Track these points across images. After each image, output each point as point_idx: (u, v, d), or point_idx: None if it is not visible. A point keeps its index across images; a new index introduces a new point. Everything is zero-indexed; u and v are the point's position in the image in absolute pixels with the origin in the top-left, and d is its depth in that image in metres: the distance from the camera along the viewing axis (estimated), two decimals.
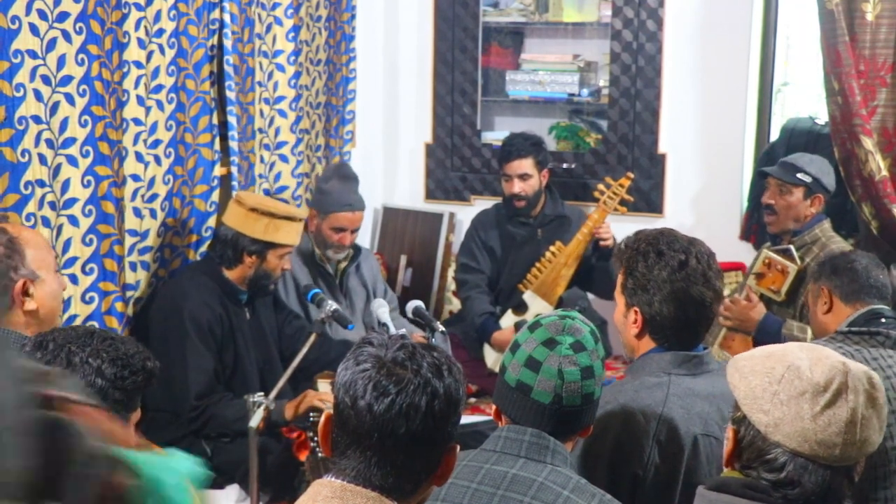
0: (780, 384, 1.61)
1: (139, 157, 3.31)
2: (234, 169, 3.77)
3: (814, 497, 1.60)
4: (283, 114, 4.09)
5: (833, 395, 1.58)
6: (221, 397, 3.37)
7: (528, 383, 1.92)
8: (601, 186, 4.34)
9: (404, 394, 1.48)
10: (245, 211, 3.44)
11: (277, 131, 4.09)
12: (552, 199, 4.51)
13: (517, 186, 4.38)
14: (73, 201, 3.02)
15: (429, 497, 1.61)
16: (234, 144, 3.74)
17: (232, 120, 3.72)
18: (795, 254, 3.64)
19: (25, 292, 2.29)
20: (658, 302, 2.20)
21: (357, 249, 4.11)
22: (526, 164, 4.36)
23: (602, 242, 4.25)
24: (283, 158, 4.15)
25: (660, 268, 2.20)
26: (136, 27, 3.23)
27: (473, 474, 1.88)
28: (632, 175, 4.36)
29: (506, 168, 4.40)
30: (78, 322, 3.05)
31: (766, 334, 3.45)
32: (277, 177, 4.14)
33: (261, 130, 3.98)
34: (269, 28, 3.96)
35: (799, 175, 3.68)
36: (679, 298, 2.19)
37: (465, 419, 3.77)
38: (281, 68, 4.05)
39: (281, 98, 4.07)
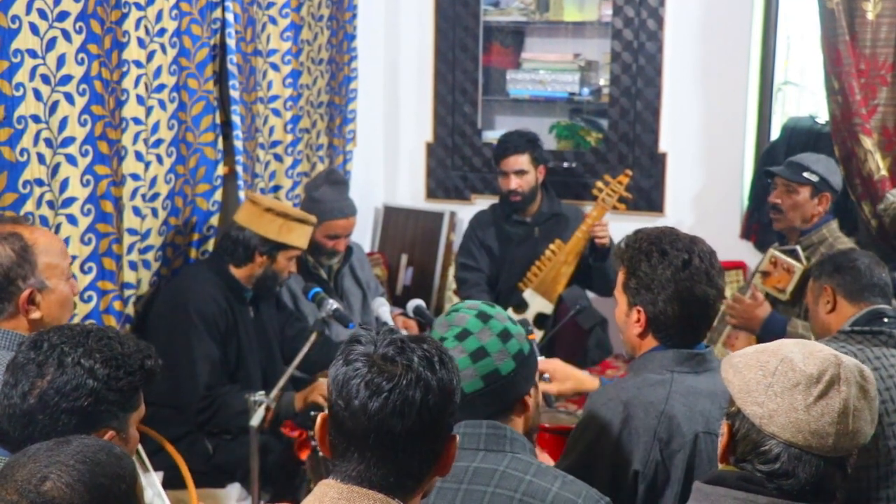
0: (774, 376, 1.63)
1: (139, 156, 3.31)
2: (239, 168, 3.77)
3: (808, 488, 1.62)
4: (277, 113, 4.08)
5: (826, 385, 1.61)
6: (230, 388, 3.38)
7: None
8: (599, 184, 4.32)
9: (397, 391, 1.45)
10: (260, 211, 3.47)
11: (272, 130, 4.08)
12: (548, 197, 4.49)
13: (513, 182, 4.36)
14: (71, 200, 3.01)
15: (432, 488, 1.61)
16: (238, 144, 3.74)
17: (236, 119, 3.71)
18: (802, 254, 3.63)
19: (31, 300, 2.27)
20: (662, 301, 2.20)
21: (348, 250, 4.11)
22: (522, 161, 4.34)
23: (598, 241, 4.21)
24: (278, 158, 4.14)
25: (663, 267, 2.20)
26: (136, 26, 3.22)
27: None
28: (630, 172, 4.35)
29: (501, 164, 4.38)
30: (77, 321, 3.05)
31: (770, 333, 3.41)
32: (272, 175, 4.13)
33: (257, 130, 3.98)
34: (263, 27, 3.96)
35: (805, 174, 3.66)
36: (683, 298, 2.19)
37: None
38: (275, 67, 4.04)
39: (275, 97, 4.06)
